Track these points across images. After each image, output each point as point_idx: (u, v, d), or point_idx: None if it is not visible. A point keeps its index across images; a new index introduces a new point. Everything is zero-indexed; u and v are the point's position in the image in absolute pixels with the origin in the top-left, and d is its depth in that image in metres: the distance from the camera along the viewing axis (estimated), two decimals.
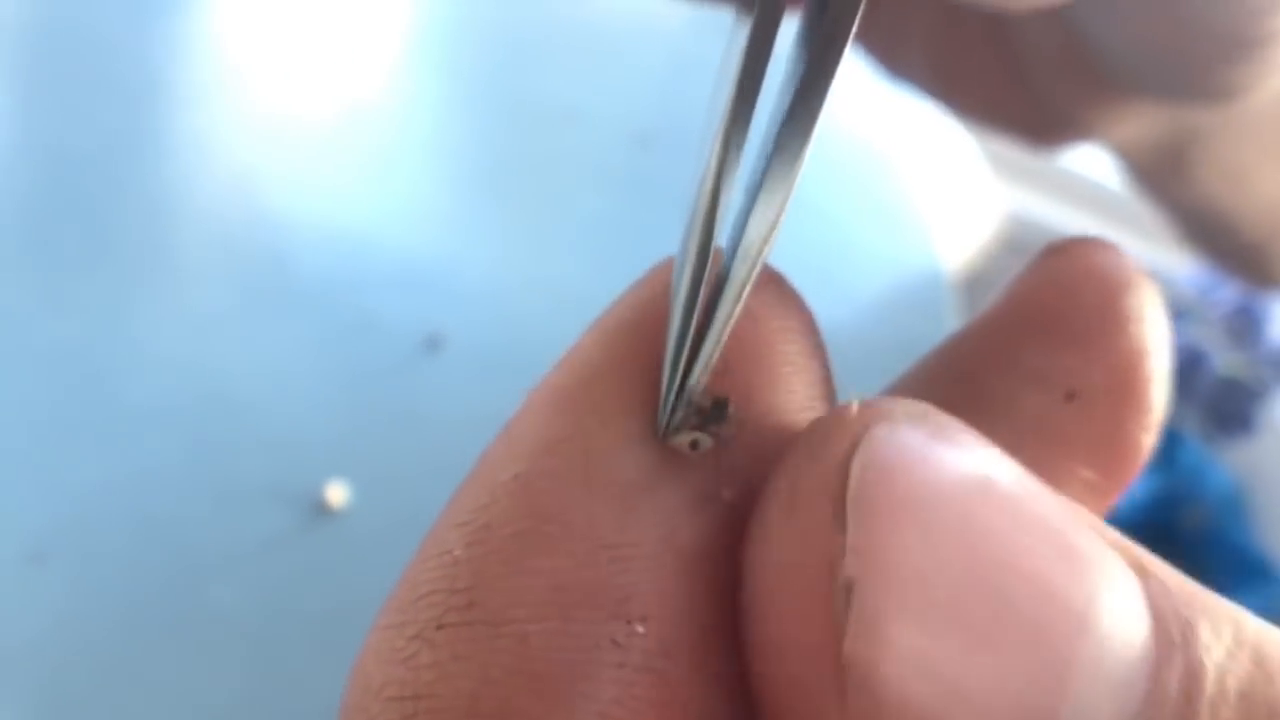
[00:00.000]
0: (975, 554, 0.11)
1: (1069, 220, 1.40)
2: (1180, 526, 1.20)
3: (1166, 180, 0.42)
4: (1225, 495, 1.21)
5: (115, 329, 0.48)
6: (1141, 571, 0.12)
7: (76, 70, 0.63)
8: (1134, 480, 0.16)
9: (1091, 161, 1.40)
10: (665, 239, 0.56)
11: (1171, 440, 1.25)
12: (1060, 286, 0.16)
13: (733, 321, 0.13)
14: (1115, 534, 0.12)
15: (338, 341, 0.49)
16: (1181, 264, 1.23)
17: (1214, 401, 1.20)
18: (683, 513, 0.12)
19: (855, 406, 0.12)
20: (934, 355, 0.17)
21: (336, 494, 0.43)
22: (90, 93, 0.61)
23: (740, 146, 0.14)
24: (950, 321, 0.59)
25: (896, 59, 0.38)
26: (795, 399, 0.14)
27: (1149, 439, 0.15)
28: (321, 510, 0.42)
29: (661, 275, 0.14)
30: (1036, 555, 0.11)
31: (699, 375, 0.13)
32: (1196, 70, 0.31)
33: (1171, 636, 0.11)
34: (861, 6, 0.14)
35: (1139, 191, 0.44)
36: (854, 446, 0.11)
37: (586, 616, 0.12)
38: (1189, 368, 1.21)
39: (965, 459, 0.12)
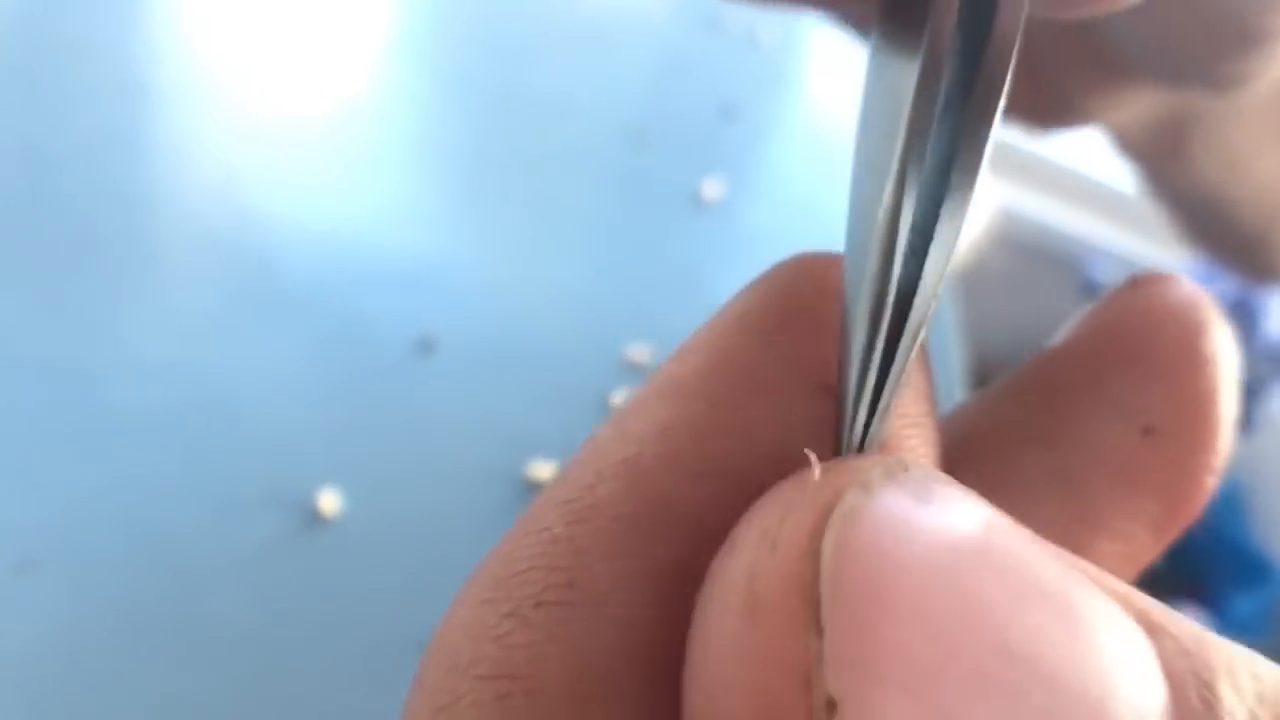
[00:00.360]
0: (981, 645, 0.10)
1: (1060, 215, 1.40)
2: None
3: (1164, 163, 0.42)
4: (1224, 493, 1.21)
5: (102, 334, 0.47)
6: (1154, 630, 0.11)
7: (58, 74, 0.63)
8: (1194, 520, 0.15)
9: (1083, 157, 1.40)
10: (658, 236, 0.56)
11: None
12: (1145, 321, 0.15)
13: (909, 364, 0.12)
14: (1121, 586, 0.11)
15: (329, 345, 0.48)
16: (1177, 258, 1.24)
17: None
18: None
19: (816, 471, 0.10)
20: (1017, 375, 0.16)
21: (329, 501, 0.42)
22: (73, 96, 0.61)
23: (917, 178, 0.13)
24: (947, 313, 0.59)
25: None
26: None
27: (1213, 480, 0.15)
28: (315, 517, 0.42)
29: (790, 276, 0.13)
30: (1048, 637, 0.10)
31: (878, 419, 0.12)
32: (1206, 60, 0.31)
33: (1191, 704, 0.10)
34: (1019, 40, 0.14)
35: (1136, 173, 0.44)
36: (823, 523, 0.10)
37: (687, 605, 0.11)
38: None
39: (953, 522, 0.10)
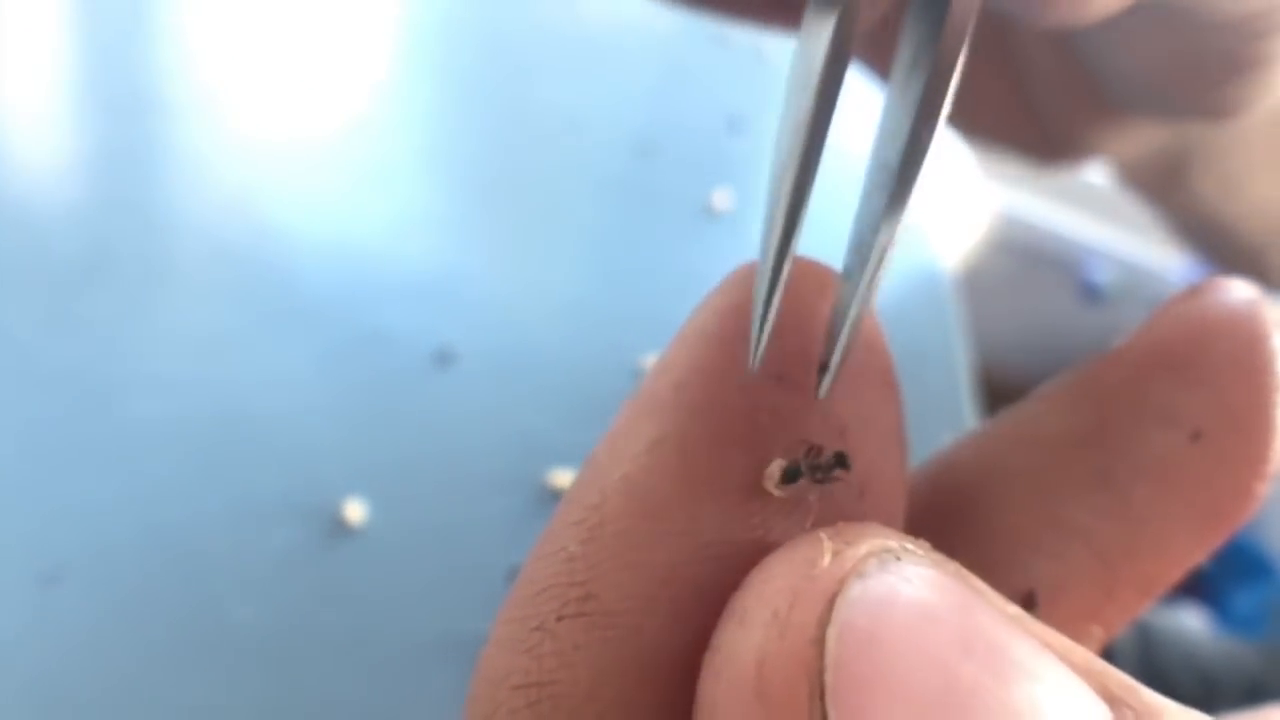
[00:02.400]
0: None
1: (1058, 218, 1.41)
2: None
3: (1165, 190, 0.42)
4: None
5: (124, 348, 0.48)
6: (1114, 701, 0.11)
7: (75, 88, 0.63)
8: (1240, 527, 0.16)
9: None
10: (668, 246, 0.57)
11: None
12: (1198, 327, 0.15)
13: (858, 318, 0.13)
14: (1084, 658, 0.12)
15: (348, 357, 0.49)
16: (1174, 260, 1.24)
17: None
18: (777, 515, 0.13)
19: (825, 555, 0.11)
20: (1065, 381, 0.16)
21: (355, 511, 0.42)
22: (90, 113, 0.61)
23: (820, 149, 0.14)
24: (950, 320, 0.60)
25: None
26: (895, 469, 0.14)
27: (1262, 488, 0.15)
28: (340, 527, 0.42)
29: (740, 283, 0.14)
30: (1022, 715, 0.10)
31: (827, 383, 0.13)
32: (1197, 91, 0.31)
33: None
34: (972, 25, 0.15)
35: (1137, 198, 0.44)
36: (827, 613, 0.10)
37: (691, 612, 0.12)
38: None
39: (948, 621, 0.11)
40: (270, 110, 0.62)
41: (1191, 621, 1.02)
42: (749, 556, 0.12)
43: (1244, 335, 0.15)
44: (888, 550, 0.11)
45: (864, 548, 0.11)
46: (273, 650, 0.39)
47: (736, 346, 0.13)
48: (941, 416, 0.54)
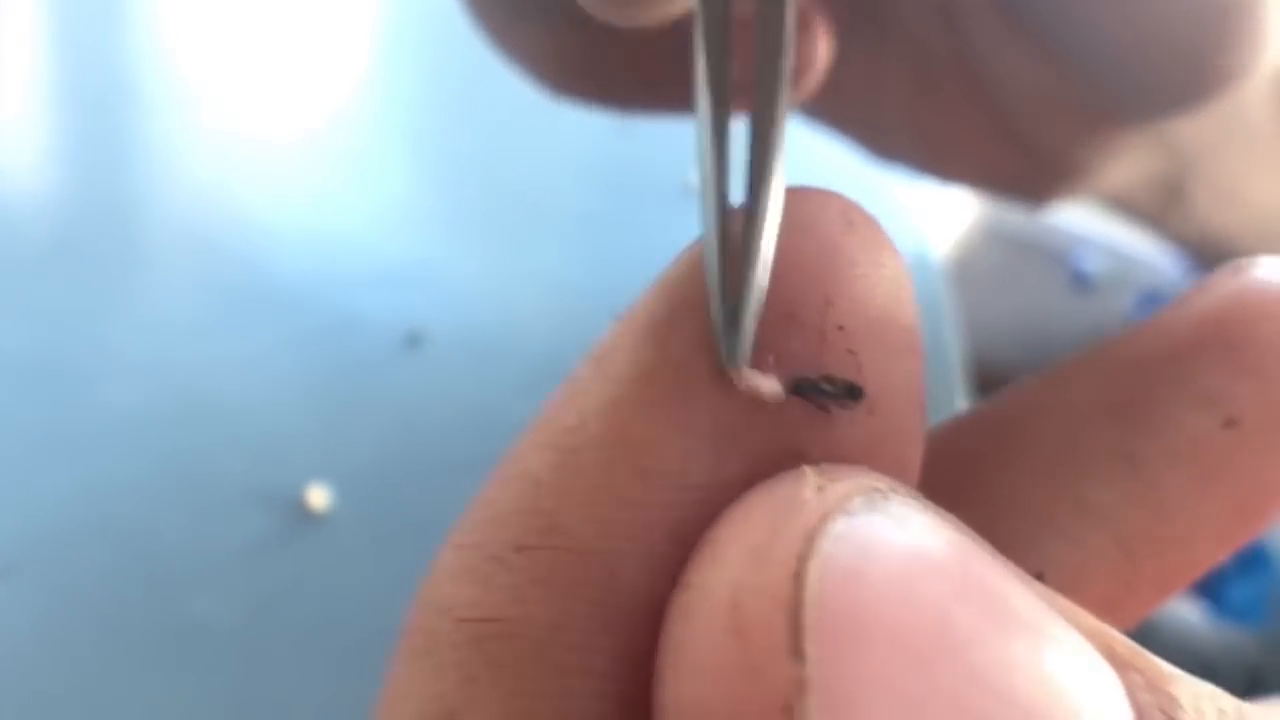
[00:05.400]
0: (958, 675, 0.09)
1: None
2: None
3: (1168, 216, 0.42)
4: None
5: (86, 334, 0.47)
6: (1121, 665, 0.11)
7: (46, 78, 0.63)
8: (1273, 522, 0.15)
9: None
10: (646, 229, 0.56)
11: None
12: (1247, 307, 0.15)
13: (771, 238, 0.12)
14: (1091, 621, 0.11)
15: (315, 341, 0.48)
16: (1161, 249, 1.24)
17: None
18: (768, 464, 0.11)
19: (808, 489, 0.10)
20: (1098, 350, 0.16)
21: (318, 496, 0.42)
22: (60, 102, 0.61)
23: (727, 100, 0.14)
24: (942, 308, 0.59)
25: (880, 139, 0.38)
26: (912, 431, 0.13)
27: None
28: (303, 514, 0.41)
29: None
30: (1022, 669, 0.10)
31: (755, 301, 0.12)
32: (1174, 65, 0.30)
33: None
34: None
35: (1136, 223, 0.44)
36: (809, 546, 0.10)
37: (667, 555, 0.11)
38: None
39: (932, 550, 0.10)
40: (240, 98, 0.62)
41: (1188, 612, 1.02)
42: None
43: None
44: (877, 490, 0.10)
45: (851, 485, 0.10)
46: (235, 641, 0.38)
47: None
48: (933, 405, 0.52)
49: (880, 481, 0.11)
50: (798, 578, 0.09)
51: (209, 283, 0.50)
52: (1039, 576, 0.13)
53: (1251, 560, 1.12)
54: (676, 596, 0.10)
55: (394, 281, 0.52)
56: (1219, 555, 0.15)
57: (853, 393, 0.12)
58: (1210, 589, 1.13)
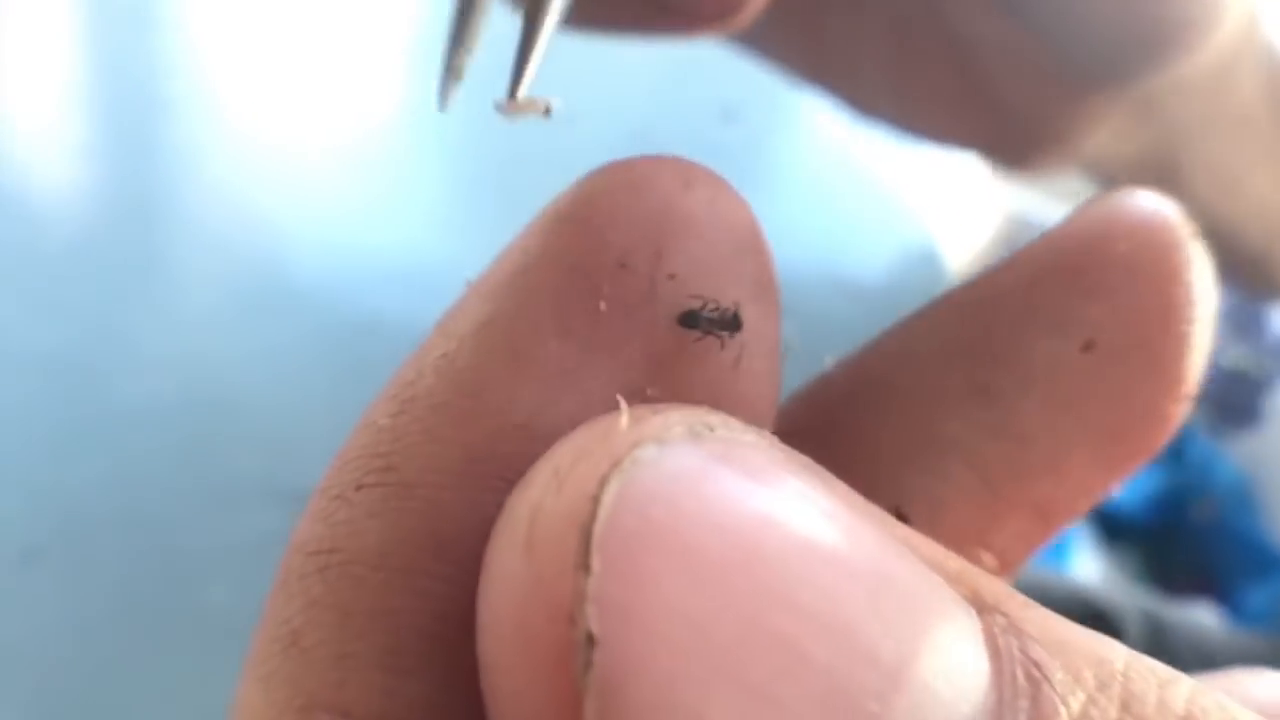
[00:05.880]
0: (757, 603, 0.09)
1: None
2: (1190, 519, 1.20)
3: (1159, 192, 0.42)
4: (1234, 487, 1.20)
5: (109, 332, 0.48)
6: (983, 608, 0.10)
7: (71, 78, 0.63)
8: (1156, 454, 0.14)
9: None
10: None
11: (1179, 434, 1.25)
12: (1094, 233, 0.14)
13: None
14: (954, 562, 0.11)
15: (335, 341, 0.49)
16: None
17: (1219, 394, 1.20)
18: (603, 401, 0.12)
19: (624, 419, 0.10)
20: (952, 292, 0.15)
21: None
22: (85, 103, 0.61)
23: None
24: None
25: (861, 97, 0.38)
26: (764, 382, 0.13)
27: (1176, 410, 0.14)
28: None
29: (594, 178, 0.14)
30: (839, 599, 0.09)
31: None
32: (1140, 15, 0.31)
33: (1016, 681, 0.10)
34: None
35: None
36: (611, 471, 0.10)
37: (495, 489, 0.12)
38: None
39: (756, 490, 0.10)
40: (262, 101, 0.62)
41: (1203, 617, 1.01)
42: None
43: (1149, 239, 0.14)
44: (704, 423, 0.10)
45: (675, 416, 0.10)
46: (248, 628, 0.39)
47: (577, 235, 0.13)
48: None
49: (713, 417, 0.10)
50: (593, 499, 0.09)
51: (231, 282, 0.51)
52: (898, 512, 0.14)
53: (1265, 566, 1.11)
54: (495, 524, 0.11)
55: (414, 284, 0.52)
56: (1101, 486, 0.14)
57: (734, 322, 0.13)
58: (1225, 597, 1.12)
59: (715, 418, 0.10)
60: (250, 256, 0.53)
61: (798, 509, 0.10)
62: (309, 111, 0.62)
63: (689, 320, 0.13)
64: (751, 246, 0.13)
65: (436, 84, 0.23)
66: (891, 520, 0.11)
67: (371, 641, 0.12)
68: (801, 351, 0.15)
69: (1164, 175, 0.40)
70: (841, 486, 0.10)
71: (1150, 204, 0.15)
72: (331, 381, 0.47)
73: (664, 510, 0.09)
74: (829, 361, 0.16)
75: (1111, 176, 0.40)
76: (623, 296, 0.13)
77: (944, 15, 0.34)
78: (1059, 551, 1.14)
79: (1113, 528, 1.21)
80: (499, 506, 0.11)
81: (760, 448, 0.10)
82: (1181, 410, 0.14)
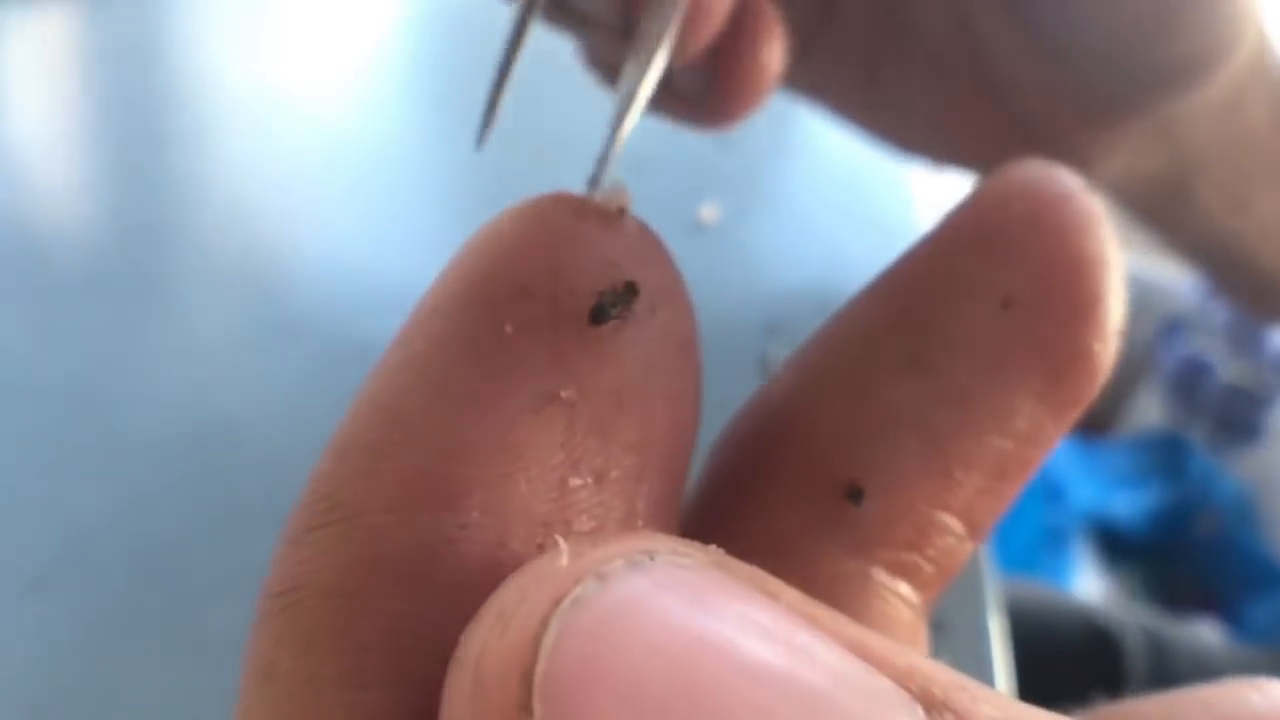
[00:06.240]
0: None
1: None
2: (1192, 535, 1.20)
3: (1171, 213, 0.42)
4: (1235, 503, 1.21)
5: (113, 360, 0.48)
6: (931, 703, 0.10)
7: (73, 109, 0.64)
8: (1094, 395, 0.15)
9: None
10: None
11: (1180, 450, 1.25)
12: (992, 201, 0.15)
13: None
14: (906, 658, 0.10)
15: (334, 371, 0.49)
16: (1181, 275, 1.24)
17: (1220, 410, 1.20)
18: (521, 414, 0.13)
19: (564, 557, 0.10)
20: (874, 279, 0.16)
21: None
22: (86, 133, 0.62)
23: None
24: None
25: (905, 134, 0.40)
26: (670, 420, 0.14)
27: (1103, 350, 0.15)
28: None
29: (506, 215, 0.15)
30: (776, 717, 0.09)
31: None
32: (1161, 38, 0.32)
33: None
34: None
35: (1146, 228, 0.44)
36: (551, 611, 0.10)
37: (427, 510, 0.13)
38: (1194, 378, 1.22)
39: (694, 616, 0.10)
40: (262, 130, 0.63)
41: (1206, 633, 1.01)
42: (491, 457, 0.13)
43: (1042, 194, 0.15)
44: (645, 552, 0.10)
45: (614, 549, 0.10)
46: None
47: (479, 269, 0.14)
48: None
49: (655, 543, 0.10)
50: (535, 640, 0.10)
51: (235, 311, 0.52)
52: (851, 483, 0.14)
53: (1267, 582, 1.12)
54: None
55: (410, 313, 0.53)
56: (1049, 433, 0.15)
57: (630, 289, 0.14)
58: (1228, 612, 1.12)
59: (657, 543, 0.10)
60: (255, 286, 0.53)
61: (737, 630, 0.10)
62: (312, 142, 0.63)
63: (597, 315, 0.13)
64: (649, 257, 0.14)
65: (479, 123, 0.28)
66: (841, 622, 0.11)
67: (335, 663, 0.12)
68: None
69: (1177, 197, 0.41)
70: (789, 595, 0.10)
71: (1039, 168, 0.15)
72: (333, 408, 0.47)
73: (603, 647, 0.09)
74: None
75: (1125, 196, 0.41)
76: (526, 317, 0.14)
77: (986, 56, 0.36)
78: (1061, 567, 1.14)
79: (1115, 544, 1.21)
80: (431, 527, 0.12)
81: (701, 569, 0.10)
82: (1109, 349, 0.15)
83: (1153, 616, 0.90)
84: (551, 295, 0.14)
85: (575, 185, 0.59)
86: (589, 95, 0.71)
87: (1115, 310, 0.15)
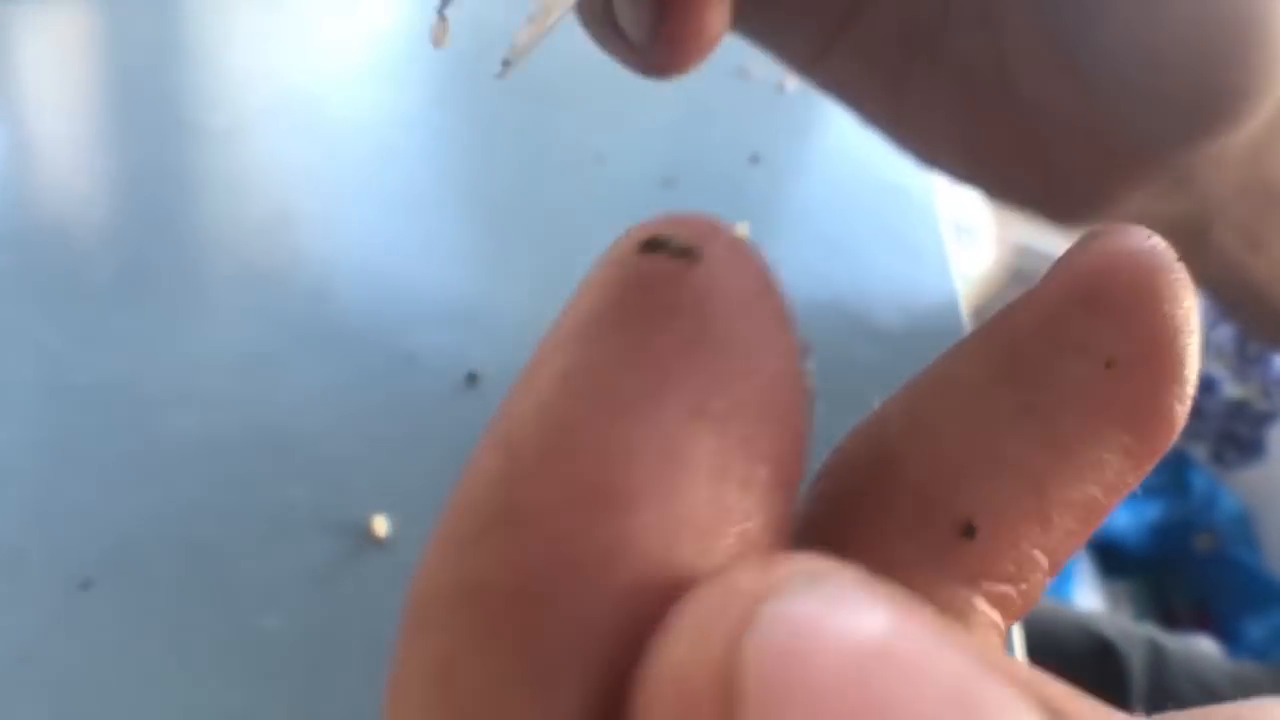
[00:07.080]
0: None
1: None
2: (1192, 551, 1.21)
3: (1191, 255, 0.43)
4: (1236, 520, 1.21)
5: (159, 365, 0.49)
6: (1054, 714, 0.11)
7: (112, 111, 0.65)
8: (1168, 448, 0.16)
9: None
10: None
11: (1182, 466, 1.26)
12: (1100, 264, 0.16)
13: None
14: (1024, 672, 0.11)
15: (377, 379, 0.50)
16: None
17: (1224, 427, 1.21)
18: (678, 424, 0.13)
19: (744, 576, 0.11)
20: (976, 332, 0.17)
21: (381, 526, 0.44)
22: (132, 138, 0.63)
23: None
24: None
25: (928, 144, 0.41)
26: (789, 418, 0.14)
27: (1182, 409, 0.16)
28: (366, 540, 0.44)
29: (627, 243, 0.15)
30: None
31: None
32: (1199, 75, 0.33)
33: None
34: None
35: None
36: (744, 629, 0.10)
37: (608, 512, 0.13)
38: (1198, 395, 1.22)
39: (862, 625, 0.10)
40: (304, 136, 0.64)
41: (1204, 648, 1.02)
42: (656, 464, 0.13)
43: (1147, 265, 0.16)
44: (814, 572, 0.11)
45: (788, 568, 0.11)
46: (299, 659, 0.40)
47: (640, 280, 0.14)
48: None
49: (818, 564, 0.11)
50: (731, 659, 0.10)
51: (276, 318, 0.52)
52: (966, 522, 0.16)
53: (1263, 599, 1.12)
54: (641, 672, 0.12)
55: (453, 323, 0.54)
56: (1128, 483, 0.16)
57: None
58: (1226, 629, 1.13)
59: (817, 564, 0.11)
60: (294, 292, 0.54)
61: (901, 652, 0.10)
62: (353, 152, 0.64)
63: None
64: (766, 289, 0.15)
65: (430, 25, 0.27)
66: (964, 634, 0.12)
67: (523, 664, 0.13)
68: (824, 391, 0.16)
69: (1196, 235, 0.42)
70: (922, 612, 0.11)
71: (1140, 236, 0.17)
72: (376, 414, 0.49)
73: (794, 665, 0.10)
74: (877, 403, 0.17)
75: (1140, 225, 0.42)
76: (680, 334, 0.14)
77: (1013, 76, 0.36)
78: (1059, 581, 1.15)
79: (1114, 559, 1.22)
80: (615, 527, 0.13)
81: (862, 585, 0.11)
82: (1186, 410, 0.16)
83: (1153, 630, 0.90)
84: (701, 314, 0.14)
85: (631, 199, 0.60)
86: (625, 107, 0.72)
87: (1195, 375, 0.16)
